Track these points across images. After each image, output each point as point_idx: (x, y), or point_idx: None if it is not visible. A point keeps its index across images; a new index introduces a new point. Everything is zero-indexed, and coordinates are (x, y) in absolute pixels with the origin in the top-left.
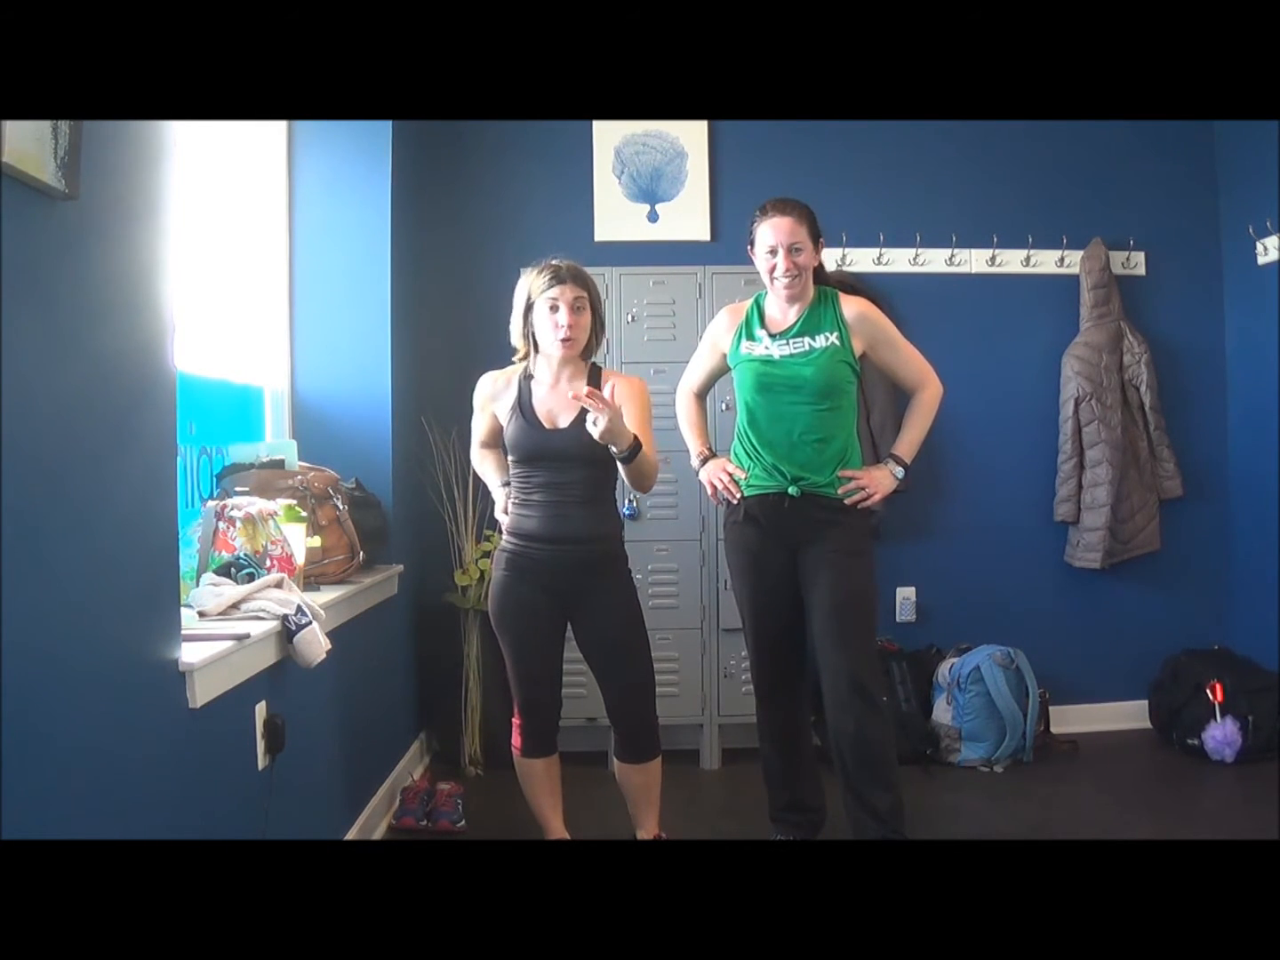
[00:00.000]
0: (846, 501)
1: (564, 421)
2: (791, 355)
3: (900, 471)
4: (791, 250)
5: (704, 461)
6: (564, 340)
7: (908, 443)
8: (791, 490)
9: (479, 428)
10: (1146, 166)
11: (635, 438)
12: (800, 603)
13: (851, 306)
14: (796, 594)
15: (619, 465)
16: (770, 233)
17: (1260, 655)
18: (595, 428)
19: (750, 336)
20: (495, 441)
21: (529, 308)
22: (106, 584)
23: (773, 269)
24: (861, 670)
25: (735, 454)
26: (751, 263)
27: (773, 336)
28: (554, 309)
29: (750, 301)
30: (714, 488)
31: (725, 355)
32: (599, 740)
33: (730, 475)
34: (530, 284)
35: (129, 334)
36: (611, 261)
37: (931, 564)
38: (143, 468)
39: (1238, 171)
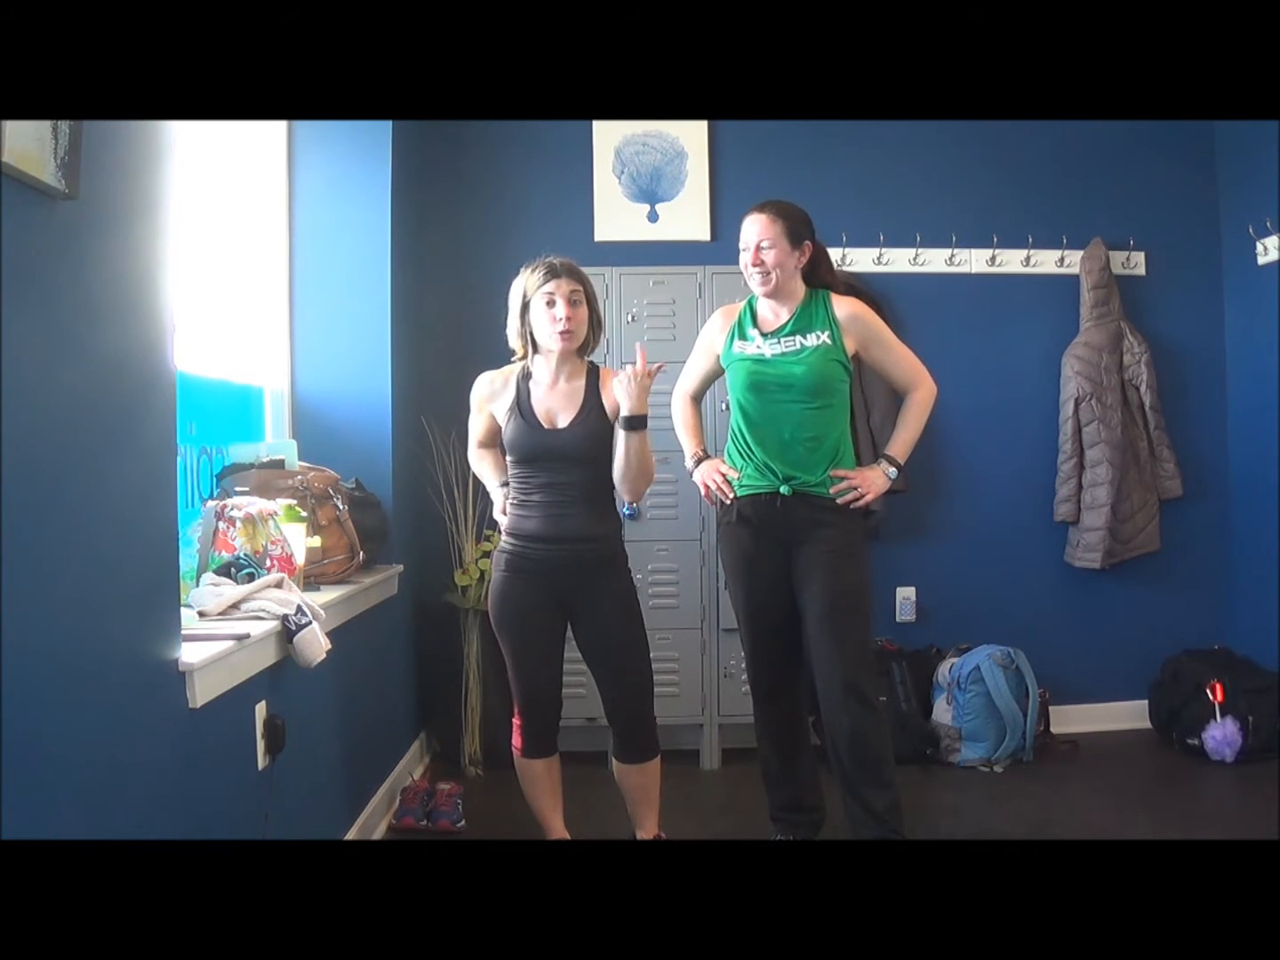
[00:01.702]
0: (839, 501)
1: (563, 421)
2: (783, 354)
3: (893, 472)
4: (760, 247)
5: (698, 462)
6: (562, 333)
7: (901, 443)
8: (783, 490)
9: (476, 428)
10: (1146, 166)
11: (644, 413)
12: (795, 602)
13: (843, 306)
14: (791, 594)
15: (621, 442)
16: (744, 229)
17: (1260, 655)
18: (626, 389)
19: (742, 336)
20: (492, 442)
21: (525, 306)
22: (106, 584)
23: (745, 266)
24: (855, 670)
25: (729, 454)
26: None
27: (764, 336)
28: (550, 303)
29: (744, 303)
30: (707, 488)
31: (719, 357)
32: (599, 740)
33: (723, 476)
34: (525, 282)
35: (129, 334)
36: (611, 261)
37: (931, 564)
38: (143, 468)
39: (1238, 171)
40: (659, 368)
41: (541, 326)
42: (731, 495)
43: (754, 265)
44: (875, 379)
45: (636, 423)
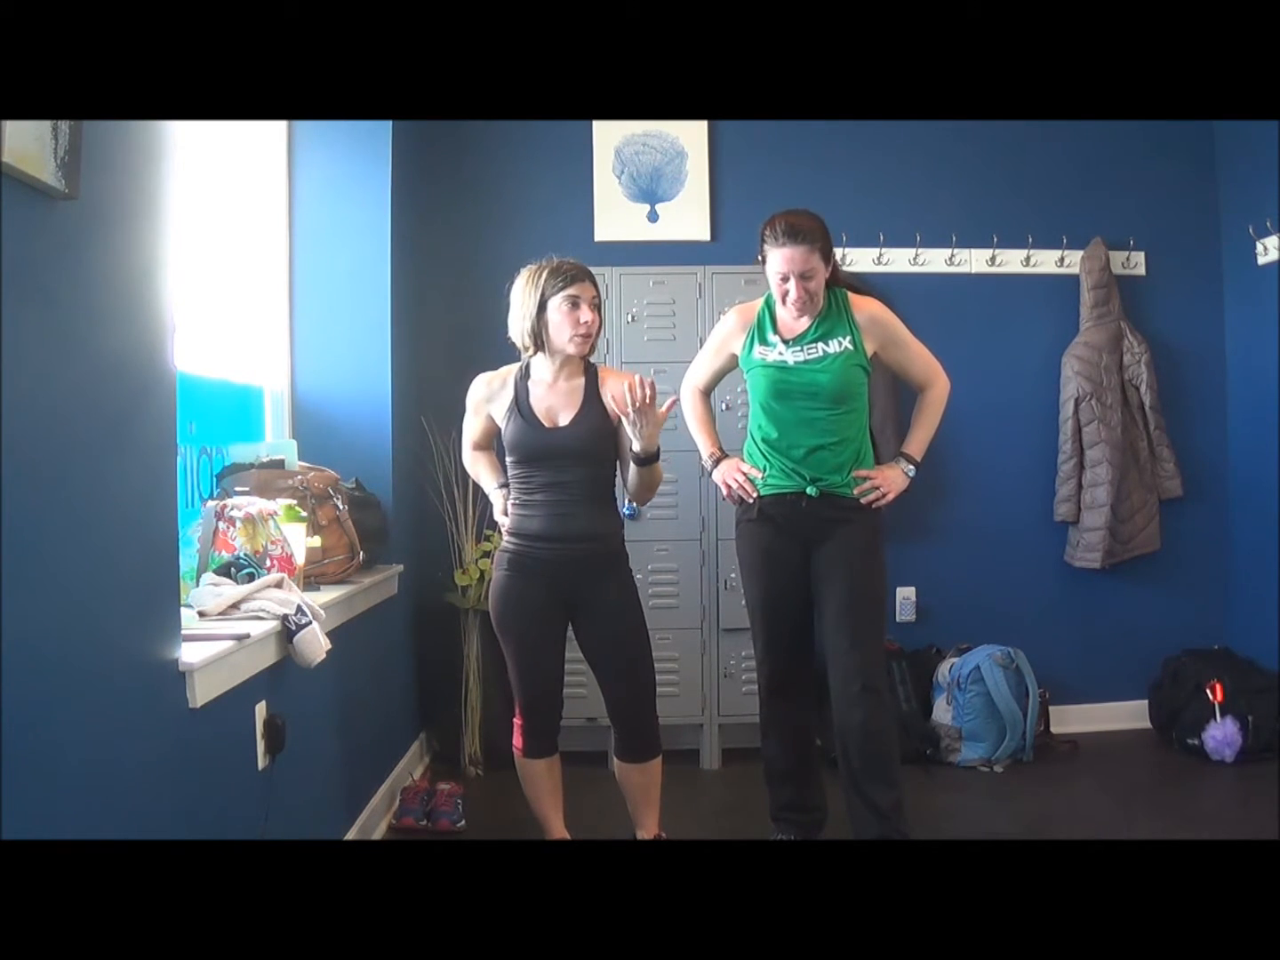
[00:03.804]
0: (862, 501)
1: (564, 420)
2: (806, 362)
3: (912, 470)
4: (804, 278)
5: (716, 462)
6: (584, 337)
7: (918, 441)
8: (810, 490)
9: (472, 430)
10: (1146, 166)
11: (658, 449)
12: (810, 601)
13: (862, 309)
14: (807, 592)
15: (633, 469)
16: (782, 262)
17: (1260, 655)
18: (636, 430)
19: (763, 341)
20: (488, 443)
21: (542, 306)
22: (106, 584)
23: (785, 295)
24: (872, 668)
25: (749, 455)
26: (754, 264)
27: (786, 342)
28: (575, 306)
29: (760, 302)
30: (729, 488)
31: (735, 356)
32: (599, 740)
33: (745, 475)
34: (542, 282)
35: (129, 334)
36: (611, 261)
37: (931, 564)
38: (143, 468)
39: (1238, 171)
40: (672, 402)
41: (561, 329)
42: (754, 494)
43: (799, 300)
44: (875, 379)
45: (652, 458)
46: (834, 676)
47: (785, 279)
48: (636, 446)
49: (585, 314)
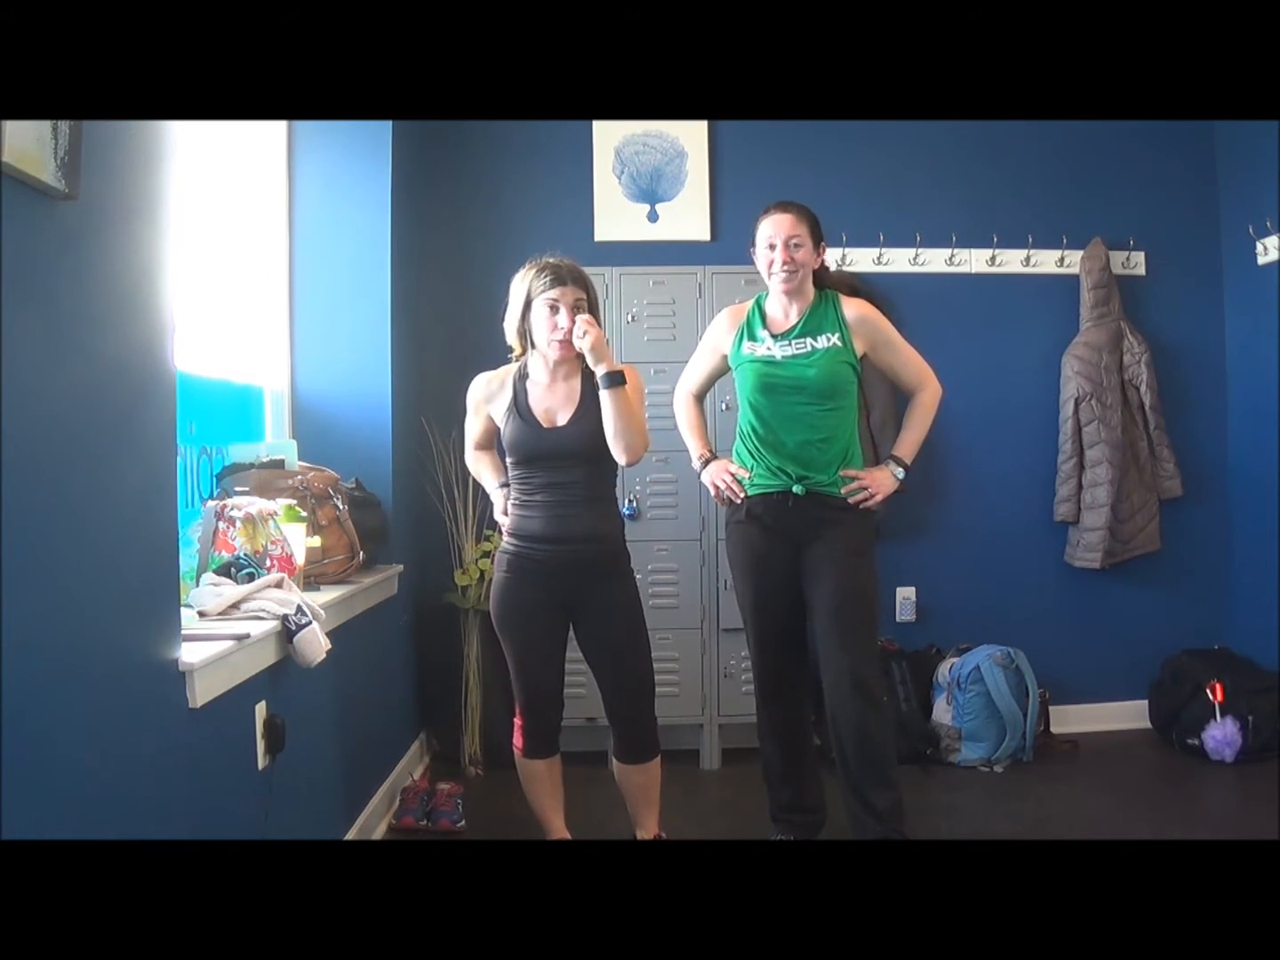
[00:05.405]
0: (850, 501)
1: (562, 419)
2: (794, 356)
3: (901, 472)
4: (789, 244)
5: (705, 463)
6: (563, 342)
7: (908, 444)
8: (796, 489)
9: (473, 430)
10: (1146, 166)
11: (620, 369)
12: (802, 601)
13: (852, 308)
14: (799, 593)
15: (604, 398)
16: (770, 228)
17: (1260, 655)
18: (583, 340)
19: (752, 337)
20: (489, 443)
21: (527, 306)
22: (106, 584)
23: (770, 263)
24: (864, 668)
25: (738, 454)
26: (753, 262)
27: (775, 337)
28: (554, 310)
29: (751, 302)
30: (717, 489)
31: (726, 356)
32: (599, 740)
33: (733, 475)
34: (529, 283)
35: (129, 334)
36: (611, 261)
37: (931, 564)
38: (143, 468)
39: (1238, 171)
40: (586, 319)
41: (541, 331)
42: (742, 495)
43: (785, 263)
44: (875, 379)
45: (615, 379)
46: (827, 677)
47: (771, 245)
48: (601, 369)
49: (563, 319)
